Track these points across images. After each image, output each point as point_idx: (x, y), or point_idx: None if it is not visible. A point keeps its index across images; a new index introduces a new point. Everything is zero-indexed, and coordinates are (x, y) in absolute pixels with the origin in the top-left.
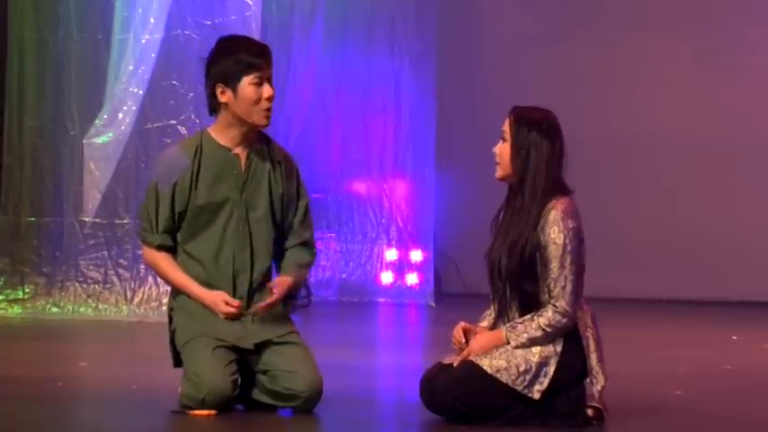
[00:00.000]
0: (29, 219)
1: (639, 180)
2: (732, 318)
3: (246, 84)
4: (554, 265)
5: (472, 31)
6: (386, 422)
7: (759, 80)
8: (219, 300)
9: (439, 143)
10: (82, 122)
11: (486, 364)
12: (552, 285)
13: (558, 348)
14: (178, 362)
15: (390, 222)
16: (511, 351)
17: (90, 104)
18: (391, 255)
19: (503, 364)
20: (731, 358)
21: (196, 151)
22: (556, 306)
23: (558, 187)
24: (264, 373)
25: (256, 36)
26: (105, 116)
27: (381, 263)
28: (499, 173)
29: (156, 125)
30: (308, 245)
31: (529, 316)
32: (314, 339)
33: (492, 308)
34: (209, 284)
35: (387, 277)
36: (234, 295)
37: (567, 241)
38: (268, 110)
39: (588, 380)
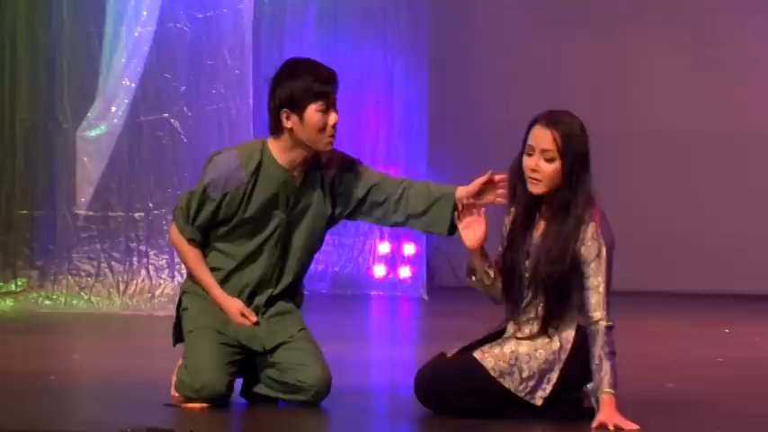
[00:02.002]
0: (21, 212)
1: (631, 174)
2: (724, 311)
3: (313, 111)
4: (592, 277)
5: (465, 25)
6: (379, 415)
7: (754, 74)
8: (236, 310)
9: (431, 136)
10: (74, 116)
11: (490, 365)
12: (589, 295)
13: (563, 356)
14: (177, 340)
15: None
16: (516, 355)
17: (82, 97)
18: (384, 248)
19: (506, 368)
20: (723, 351)
21: (256, 168)
22: (598, 324)
23: (589, 194)
24: (273, 366)
25: (248, 29)
26: (98, 109)
27: (374, 256)
28: (540, 189)
29: (148, 118)
30: (403, 179)
31: (595, 359)
32: None
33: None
34: (228, 282)
35: (379, 270)
36: (250, 302)
37: (605, 253)
38: (332, 136)
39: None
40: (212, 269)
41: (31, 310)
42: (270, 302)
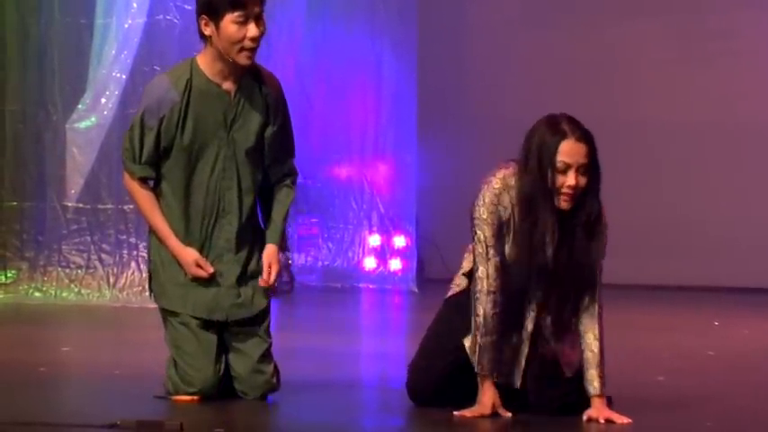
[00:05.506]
0: (11, 203)
1: (622, 165)
2: (714, 304)
3: (229, 22)
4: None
5: (454, 14)
6: (369, 407)
7: (746, 66)
8: (192, 260)
9: (420, 127)
10: (64, 107)
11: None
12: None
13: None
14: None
15: (372, 207)
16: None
17: (72, 89)
18: (374, 240)
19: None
20: (713, 344)
21: (186, 86)
22: (593, 315)
23: None
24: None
25: None
26: (88, 101)
27: (364, 248)
28: (572, 204)
29: None
30: (290, 175)
31: (593, 355)
32: (297, 325)
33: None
34: (188, 215)
35: (370, 263)
36: (220, 235)
37: (604, 238)
38: (252, 50)
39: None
40: (169, 208)
41: (20, 301)
42: (241, 236)
